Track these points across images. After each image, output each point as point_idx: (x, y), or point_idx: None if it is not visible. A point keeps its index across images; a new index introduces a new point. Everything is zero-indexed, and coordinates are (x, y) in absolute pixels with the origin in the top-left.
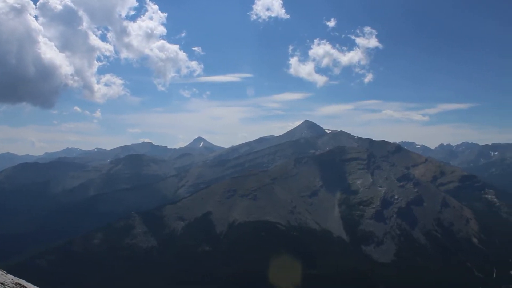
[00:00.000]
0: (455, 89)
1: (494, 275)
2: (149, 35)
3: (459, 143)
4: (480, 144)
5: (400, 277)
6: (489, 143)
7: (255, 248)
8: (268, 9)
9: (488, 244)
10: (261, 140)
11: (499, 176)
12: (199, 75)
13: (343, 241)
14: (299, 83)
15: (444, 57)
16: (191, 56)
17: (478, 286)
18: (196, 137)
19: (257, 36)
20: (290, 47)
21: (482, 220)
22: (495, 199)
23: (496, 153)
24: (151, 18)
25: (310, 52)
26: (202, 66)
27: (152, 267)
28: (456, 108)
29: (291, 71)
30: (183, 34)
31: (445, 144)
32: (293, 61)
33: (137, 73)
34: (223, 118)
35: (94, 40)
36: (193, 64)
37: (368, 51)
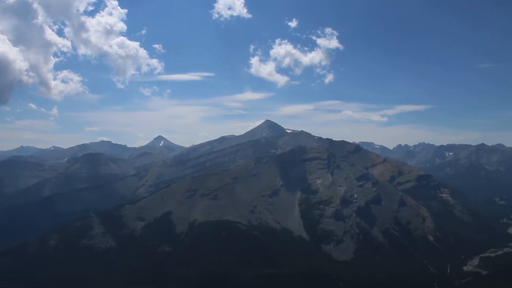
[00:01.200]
0: (412, 91)
1: (448, 271)
2: (108, 32)
3: (416, 144)
4: (436, 145)
5: (359, 275)
6: (444, 143)
7: (215, 248)
8: (230, 8)
9: (442, 242)
10: (222, 139)
11: (453, 176)
12: (159, 73)
13: (303, 240)
14: (260, 83)
15: (402, 59)
16: (152, 53)
17: (433, 282)
18: (156, 136)
19: (219, 35)
20: (252, 47)
21: (437, 219)
22: (449, 198)
23: (451, 153)
24: (110, 14)
25: (272, 52)
26: (163, 64)
27: (110, 268)
28: (414, 109)
29: (252, 70)
30: (143, 31)
31: (402, 145)
32: (254, 60)
33: (96, 70)
34: (184, 117)
35: (51, 35)
36: (154, 62)
37: (329, 52)
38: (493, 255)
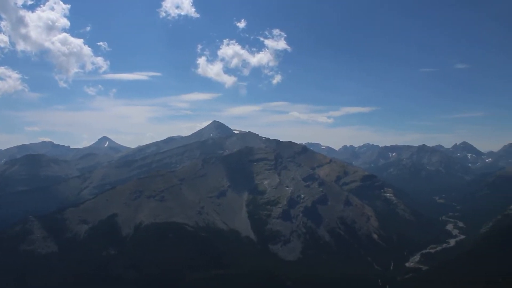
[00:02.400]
0: (357, 93)
1: (391, 268)
2: (50, 27)
3: (361, 145)
4: (380, 146)
5: (306, 274)
6: (388, 144)
7: (162, 250)
8: (177, 7)
9: (386, 240)
10: (169, 140)
11: (397, 176)
12: (105, 72)
13: (251, 240)
14: (208, 83)
15: (348, 62)
16: (97, 51)
17: (377, 279)
18: (101, 136)
19: (166, 34)
20: (199, 47)
21: (381, 217)
22: (393, 197)
23: (394, 154)
24: (52, 9)
25: (219, 52)
26: (108, 62)
27: (52, 274)
28: (358, 111)
29: (199, 71)
30: (88, 28)
31: (348, 146)
32: (202, 60)
33: (37, 67)
34: (130, 117)
35: None
36: (99, 60)
37: (277, 53)
38: (432, 251)
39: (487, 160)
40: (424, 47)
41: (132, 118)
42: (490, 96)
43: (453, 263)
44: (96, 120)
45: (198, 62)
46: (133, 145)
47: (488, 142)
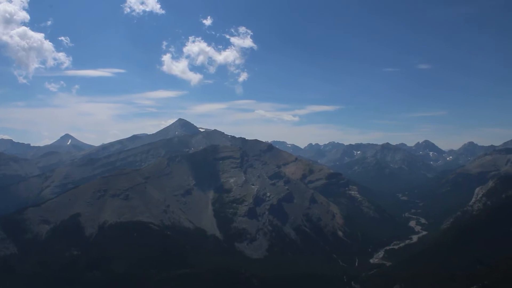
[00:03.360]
0: (323, 92)
1: (356, 264)
2: (8, 20)
3: (326, 143)
4: (345, 144)
5: (272, 272)
6: (353, 143)
7: (127, 249)
8: (142, 3)
9: (351, 237)
10: (134, 138)
11: (361, 174)
12: (67, 68)
13: (217, 239)
14: (173, 81)
15: (314, 61)
16: (58, 46)
17: (342, 275)
18: (63, 134)
19: (131, 30)
20: (164, 43)
21: (346, 215)
22: (357, 195)
23: (359, 152)
24: (10, 1)
25: (185, 49)
26: (70, 58)
27: (12, 276)
28: (324, 110)
29: (164, 68)
30: (49, 22)
31: (313, 144)
32: (167, 58)
33: None
34: (93, 115)
35: None
36: (61, 55)
37: (243, 51)
38: (396, 247)
39: (448, 158)
40: (388, 47)
41: (96, 116)
42: (451, 96)
43: (415, 259)
44: (58, 117)
45: (163, 59)
46: (97, 143)
47: (449, 141)
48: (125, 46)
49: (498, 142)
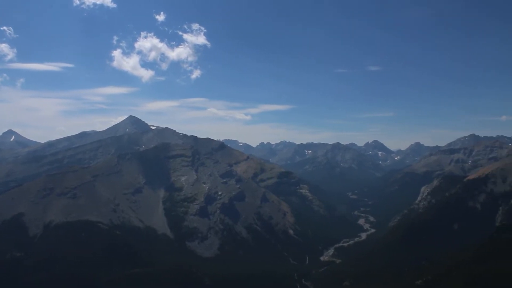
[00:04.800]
0: (274, 91)
1: (307, 262)
2: None
3: (278, 142)
4: (296, 143)
5: (224, 271)
6: (304, 142)
7: (74, 250)
8: None
9: (302, 235)
10: (82, 135)
11: (312, 173)
12: (11, 61)
13: (168, 238)
14: (124, 77)
15: (267, 61)
16: (1, 37)
17: (293, 273)
18: (6, 130)
19: (80, 23)
20: (115, 38)
21: (297, 213)
22: (308, 194)
23: (310, 151)
24: None
25: (136, 45)
26: (15, 50)
27: None
28: (276, 109)
29: (115, 63)
30: None
31: (265, 143)
32: (117, 53)
33: None
34: (39, 110)
35: None
36: (3, 47)
37: (196, 48)
38: (345, 245)
39: (396, 158)
40: (339, 49)
41: (42, 111)
42: (400, 98)
43: (364, 256)
44: (1, 112)
45: (113, 54)
46: (43, 140)
47: (397, 141)
48: (73, 39)
49: (442, 143)
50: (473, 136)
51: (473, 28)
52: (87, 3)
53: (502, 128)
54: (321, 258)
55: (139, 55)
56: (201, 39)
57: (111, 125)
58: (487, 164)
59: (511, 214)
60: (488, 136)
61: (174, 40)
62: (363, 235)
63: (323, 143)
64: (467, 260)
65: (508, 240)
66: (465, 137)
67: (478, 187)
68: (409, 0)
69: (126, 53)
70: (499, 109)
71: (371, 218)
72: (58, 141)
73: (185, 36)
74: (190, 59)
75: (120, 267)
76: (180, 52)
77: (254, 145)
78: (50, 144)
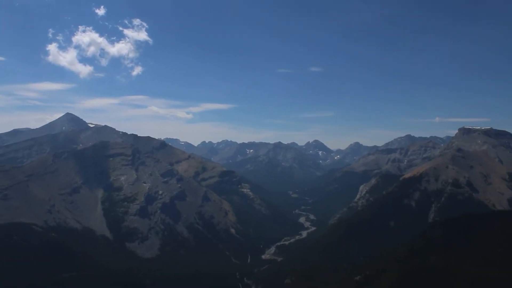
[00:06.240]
0: (216, 90)
1: (249, 261)
2: None
3: (219, 141)
4: (238, 142)
5: (164, 271)
6: (246, 141)
7: (6, 254)
8: None
9: (243, 234)
10: (15, 132)
11: (254, 172)
12: None
13: (107, 239)
14: (60, 72)
15: (208, 59)
16: None
17: (235, 272)
18: None
19: (12, 14)
20: (51, 31)
21: (238, 212)
22: (250, 192)
23: (252, 150)
24: None
25: (74, 39)
26: None
27: None
28: (218, 108)
29: (50, 58)
30: None
31: (207, 142)
32: (53, 47)
33: None
34: None
35: None
36: None
37: (138, 44)
38: (287, 243)
39: (335, 157)
40: (282, 49)
41: None
42: (340, 98)
43: (305, 253)
44: None
45: (48, 48)
46: None
47: (337, 141)
48: (5, 31)
49: (380, 143)
50: (408, 137)
51: (410, 33)
52: None
53: (435, 129)
54: (263, 257)
55: (77, 50)
56: (142, 35)
57: (46, 123)
58: (422, 164)
59: (443, 211)
60: (423, 136)
61: (115, 35)
62: (304, 233)
63: (265, 143)
64: (403, 255)
65: (440, 235)
66: (401, 137)
67: (413, 186)
68: (351, 2)
69: (63, 48)
70: (433, 111)
71: (312, 216)
72: None
73: (126, 31)
74: (131, 55)
75: (56, 271)
76: (120, 48)
77: (195, 144)
78: None
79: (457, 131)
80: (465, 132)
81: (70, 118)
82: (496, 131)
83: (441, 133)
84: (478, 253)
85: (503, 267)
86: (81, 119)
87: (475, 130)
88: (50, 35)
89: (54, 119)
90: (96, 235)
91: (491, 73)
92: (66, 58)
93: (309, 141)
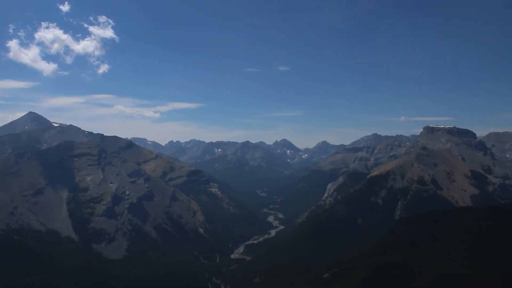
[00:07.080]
0: (184, 89)
1: (218, 260)
2: None
3: (187, 140)
4: (206, 142)
5: (132, 272)
6: (214, 140)
7: None
8: None
9: (212, 233)
10: None
11: (222, 171)
12: None
13: (72, 240)
14: (22, 70)
15: (175, 58)
16: None
17: (204, 272)
18: None
19: None
20: (12, 27)
21: (207, 212)
22: (218, 192)
23: (220, 150)
24: None
25: (37, 36)
26: None
27: None
28: (185, 107)
29: (11, 55)
30: None
31: (174, 141)
32: (14, 43)
33: None
34: None
35: None
36: None
37: (104, 42)
38: (255, 242)
39: (303, 156)
40: (250, 48)
41: None
42: (308, 98)
43: (274, 252)
44: None
45: (9, 44)
46: None
47: (305, 140)
48: None
49: (347, 142)
50: (375, 135)
51: (376, 31)
52: None
53: (401, 128)
54: (232, 256)
55: (40, 47)
56: (108, 33)
57: (8, 122)
58: (388, 162)
59: (409, 208)
60: (389, 135)
61: (80, 32)
62: (273, 232)
63: (233, 142)
64: (370, 252)
65: (406, 232)
66: (368, 136)
67: (380, 184)
68: (321, 2)
69: (25, 44)
70: (399, 110)
71: (280, 215)
72: None
73: (91, 28)
74: (97, 53)
75: (20, 275)
76: (86, 45)
77: (163, 144)
78: None
79: (422, 130)
80: (429, 130)
81: (33, 117)
82: (459, 130)
83: (407, 132)
84: (442, 249)
85: (466, 263)
86: (45, 118)
87: (439, 129)
88: (10, 30)
89: (16, 118)
90: (61, 237)
91: (455, 72)
92: (28, 55)
93: (277, 140)
